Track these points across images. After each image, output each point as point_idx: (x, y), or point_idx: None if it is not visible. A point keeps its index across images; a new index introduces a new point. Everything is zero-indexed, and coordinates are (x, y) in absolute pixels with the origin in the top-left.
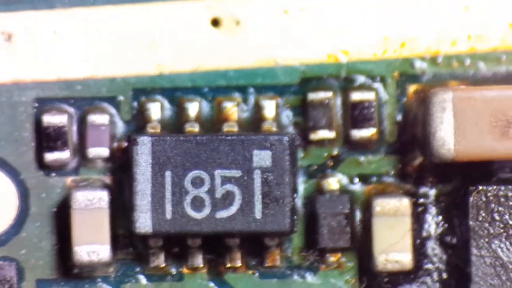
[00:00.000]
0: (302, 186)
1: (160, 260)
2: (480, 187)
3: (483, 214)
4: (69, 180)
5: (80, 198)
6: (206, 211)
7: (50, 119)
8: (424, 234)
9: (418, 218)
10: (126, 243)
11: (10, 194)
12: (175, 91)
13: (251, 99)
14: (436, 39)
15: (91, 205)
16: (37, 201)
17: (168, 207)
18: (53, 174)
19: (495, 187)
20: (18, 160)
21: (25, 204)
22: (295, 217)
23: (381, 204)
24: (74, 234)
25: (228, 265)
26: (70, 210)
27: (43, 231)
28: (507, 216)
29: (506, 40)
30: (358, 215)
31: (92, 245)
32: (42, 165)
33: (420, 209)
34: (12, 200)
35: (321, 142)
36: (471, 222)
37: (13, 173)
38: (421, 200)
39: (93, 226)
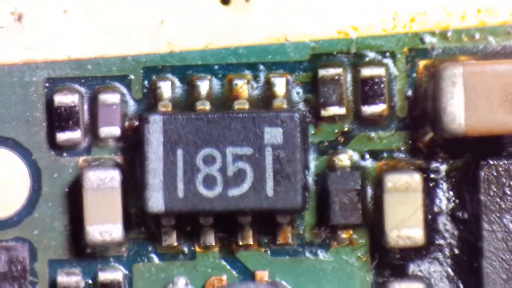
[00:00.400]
0: (313, 163)
1: (172, 239)
2: (491, 162)
3: (494, 189)
4: (81, 159)
5: (92, 177)
6: (218, 189)
7: (61, 98)
8: (436, 209)
9: (429, 194)
10: (138, 222)
11: (22, 174)
12: (186, 69)
13: (262, 76)
14: (445, 14)
15: (103, 184)
16: (49, 181)
17: (180, 186)
18: (65, 154)
19: (506, 161)
20: (30, 140)
21: (37, 184)
22: (307, 194)
23: (392, 180)
24: (86, 214)
25: (240, 243)
26: (82, 189)
27: (55, 212)
28: None
29: None
30: (369, 191)
31: (104, 224)
32: (54, 145)
33: (431, 184)
34: (24, 180)
35: (332, 119)
36: (482, 197)
37: (25, 154)
38: (432, 176)
39: (105, 206)
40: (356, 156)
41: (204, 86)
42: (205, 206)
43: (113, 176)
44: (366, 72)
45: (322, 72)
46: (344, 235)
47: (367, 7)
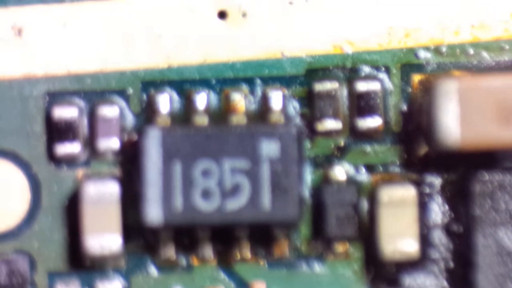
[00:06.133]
0: (309, 177)
1: (170, 252)
2: (486, 176)
3: (489, 203)
4: (80, 172)
5: (91, 190)
6: (216, 202)
7: (61, 112)
8: (431, 223)
9: (424, 207)
10: (136, 235)
11: (22, 187)
12: (184, 83)
13: (258, 91)
14: (439, 29)
15: (102, 197)
16: (49, 194)
17: (179, 200)
18: (64, 167)
19: (500, 175)
20: (30, 153)
21: (37, 197)
22: (303, 207)
23: (387, 194)
24: (85, 226)
25: (238, 256)
26: (81, 202)
27: (55, 224)
28: (511, 204)
29: (509, 29)
30: (365, 205)
31: (103, 237)
32: (53, 158)
33: (426, 198)
34: (24, 193)
35: (328, 133)
36: (476, 211)
37: (25, 167)
38: (427, 189)
39: (104, 218)
40: (351, 170)
41: (201, 100)
42: (203, 220)
43: (112, 189)
44: (361, 86)
45: (318, 87)
46: (340, 248)
47: (363, 23)
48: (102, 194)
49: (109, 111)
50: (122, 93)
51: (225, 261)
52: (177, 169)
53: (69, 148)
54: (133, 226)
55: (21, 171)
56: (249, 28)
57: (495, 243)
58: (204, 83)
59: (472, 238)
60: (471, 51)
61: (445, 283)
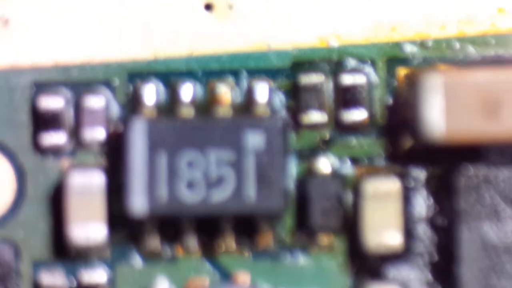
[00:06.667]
0: (294, 169)
1: (155, 242)
2: (471, 170)
3: (474, 197)
4: (65, 162)
5: (76, 180)
6: (201, 194)
7: (47, 103)
8: (415, 216)
9: (408, 200)
10: (121, 225)
11: (8, 177)
12: (170, 75)
13: (244, 83)
14: (426, 23)
15: (87, 187)
16: (34, 183)
17: (163, 190)
18: (50, 157)
19: (485, 169)
20: (16, 143)
21: (22, 186)
22: (287, 199)
23: (372, 186)
24: (70, 216)
25: (222, 247)
26: (66, 192)
27: (40, 214)
28: (496, 199)
29: (495, 24)
30: (349, 197)
31: (88, 227)
32: (39, 148)
33: (410, 191)
34: (10, 183)
35: (313, 126)
36: (461, 205)
37: (11, 157)
38: (412, 182)
39: (89, 208)
40: (336, 163)
41: (187, 92)
42: (188, 211)
43: (97, 179)
44: (347, 79)
45: (304, 80)
46: (324, 240)
47: (349, 16)
48: (87, 184)
49: (95, 101)
50: (108, 84)
51: (209, 252)
52: (163, 160)
53: (55, 138)
54: (118, 217)
55: (6, 161)
56: (236, 21)
57: (479, 237)
58: (190, 75)
59: (457, 232)
60: (457, 46)
61: (429, 276)
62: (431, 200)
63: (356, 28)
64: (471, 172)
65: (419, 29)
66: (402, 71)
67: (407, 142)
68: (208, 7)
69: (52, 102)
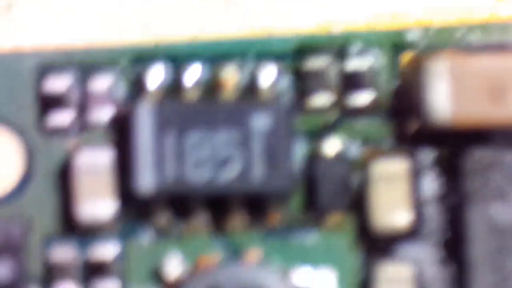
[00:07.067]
0: (300, 152)
1: (164, 219)
2: (477, 152)
3: (480, 179)
4: (72, 142)
5: (84, 159)
6: (208, 173)
7: (52, 85)
8: (422, 197)
9: (416, 182)
10: (130, 202)
11: (16, 155)
12: (174, 58)
13: (249, 67)
14: (428, 10)
15: (95, 166)
16: (42, 162)
17: (171, 169)
18: (57, 137)
19: (491, 151)
20: (22, 124)
21: (30, 165)
22: (295, 179)
23: (379, 168)
24: (78, 193)
25: (231, 225)
26: (74, 171)
27: (48, 191)
28: (503, 181)
29: (497, 12)
30: (356, 179)
31: (96, 203)
32: (45, 129)
33: (417, 172)
34: (18, 161)
35: (318, 110)
36: (468, 187)
37: (17, 136)
38: (419, 164)
39: (97, 185)
40: (343, 145)
41: (192, 75)
42: (195, 190)
43: (104, 158)
44: (351, 64)
45: (309, 64)
46: (332, 221)
47: (352, 1)
48: (95, 162)
49: (100, 84)
50: (113, 67)
51: (219, 230)
52: (169, 141)
53: (61, 118)
54: (126, 194)
55: (13, 140)
56: (239, 5)
57: (487, 219)
58: (195, 58)
59: (464, 214)
60: (460, 33)
61: (438, 256)
62: (438, 182)
63: (360, 14)
64: (478, 155)
65: (422, 15)
66: (406, 56)
67: (414, 125)
68: None
69: (56, 85)
